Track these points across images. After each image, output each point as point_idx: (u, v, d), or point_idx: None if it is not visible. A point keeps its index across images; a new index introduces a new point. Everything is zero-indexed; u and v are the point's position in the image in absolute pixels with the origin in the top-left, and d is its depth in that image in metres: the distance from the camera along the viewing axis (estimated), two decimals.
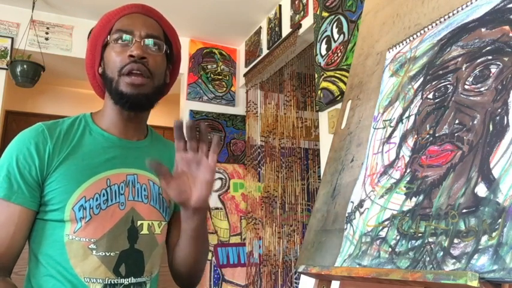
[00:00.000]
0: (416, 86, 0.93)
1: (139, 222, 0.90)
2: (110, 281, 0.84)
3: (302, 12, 2.65)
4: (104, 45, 0.93)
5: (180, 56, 1.04)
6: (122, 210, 0.88)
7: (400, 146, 0.90)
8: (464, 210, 0.68)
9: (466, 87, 0.80)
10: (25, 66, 2.79)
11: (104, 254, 0.84)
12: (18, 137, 0.88)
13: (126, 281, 0.86)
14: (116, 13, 0.94)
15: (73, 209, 0.83)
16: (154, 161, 0.79)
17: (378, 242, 0.83)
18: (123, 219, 0.88)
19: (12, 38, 2.97)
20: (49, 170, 0.85)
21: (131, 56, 0.87)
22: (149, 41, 0.91)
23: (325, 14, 2.29)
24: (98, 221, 0.85)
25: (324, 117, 2.32)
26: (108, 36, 0.92)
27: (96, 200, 0.85)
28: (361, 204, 0.93)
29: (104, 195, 0.86)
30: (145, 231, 0.90)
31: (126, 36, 0.90)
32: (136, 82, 0.87)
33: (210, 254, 3.19)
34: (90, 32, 3.57)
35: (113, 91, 0.90)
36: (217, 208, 3.29)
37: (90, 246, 0.84)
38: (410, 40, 1.02)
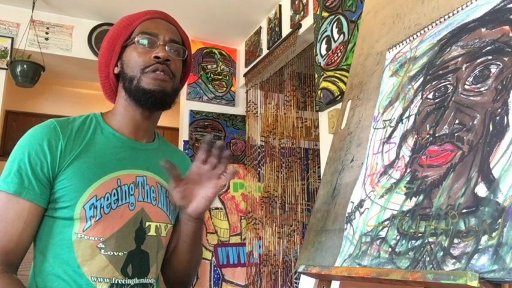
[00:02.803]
0: (416, 86, 0.93)
1: (147, 224, 0.90)
2: (117, 281, 0.84)
3: (302, 12, 2.65)
4: (124, 46, 0.95)
5: (192, 64, 1.07)
6: (132, 210, 0.88)
7: (400, 146, 0.90)
8: (464, 210, 0.68)
9: (466, 87, 0.80)
10: (25, 66, 2.79)
11: (112, 253, 0.84)
12: (30, 132, 0.87)
13: (132, 282, 0.86)
14: (138, 16, 0.96)
15: (84, 208, 0.83)
16: (168, 162, 0.84)
17: (378, 242, 0.83)
18: (132, 219, 0.88)
19: (12, 38, 2.97)
20: (61, 167, 0.84)
21: (157, 57, 0.90)
22: (172, 46, 0.94)
23: (325, 14, 2.29)
24: (108, 220, 0.85)
25: (324, 117, 2.32)
26: (131, 37, 0.94)
27: (107, 199, 0.85)
28: (361, 204, 0.93)
29: (114, 195, 0.86)
30: (152, 232, 0.91)
31: (151, 39, 0.92)
32: (160, 77, 0.90)
33: (210, 254, 3.19)
34: (90, 32, 3.54)
35: (134, 88, 0.91)
36: (217, 208, 3.29)
37: (98, 246, 0.84)
38: (410, 40, 1.02)
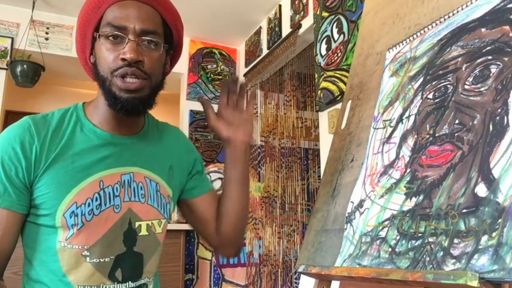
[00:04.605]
0: (416, 86, 0.93)
1: (137, 224, 0.86)
2: (106, 287, 0.82)
3: (302, 12, 2.65)
4: (94, 36, 0.84)
5: (182, 40, 0.96)
6: (117, 213, 0.83)
7: (400, 146, 0.90)
8: (464, 210, 0.68)
9: (466, 87, 0.80)
10: (25, 66, 2.79)
11: (98, 260, 0.81)
12: (4, 134, 0.81)
13: (123, 286, 0.83)
14: None
15: (64, 216, 0.78)
16: (201, 99, 0.96)
17: (378, 242, 0.83)
18: (119, 222, 0.83)
19: (12, 38, 2.97)
20: (37, 172, 0.79)
21: (124, 59, 0.79)
22: (145, 39, 0.81)
23: (325, 14, 2.29)
24: (91, 227, 0.80)
25: (324, 117, 2.32)
26: (99, 27, 0.83)
27: (89, 205, 0.80)
28: (361, 204, 0.93)
29: (96, 200, 0.81)
30: (144, 232, 0.86)
31: (117, 34, 0.80)
32: (131, 87, 0.80)
33: (209, 254, 3.19)
34: None
35: (107, 92, 0.81)
36: None
37: (83, 254, 0.80)
38: (410, 40, 1.02)
